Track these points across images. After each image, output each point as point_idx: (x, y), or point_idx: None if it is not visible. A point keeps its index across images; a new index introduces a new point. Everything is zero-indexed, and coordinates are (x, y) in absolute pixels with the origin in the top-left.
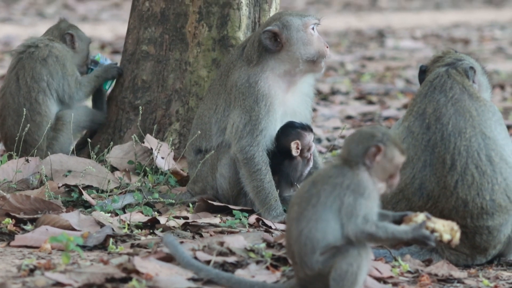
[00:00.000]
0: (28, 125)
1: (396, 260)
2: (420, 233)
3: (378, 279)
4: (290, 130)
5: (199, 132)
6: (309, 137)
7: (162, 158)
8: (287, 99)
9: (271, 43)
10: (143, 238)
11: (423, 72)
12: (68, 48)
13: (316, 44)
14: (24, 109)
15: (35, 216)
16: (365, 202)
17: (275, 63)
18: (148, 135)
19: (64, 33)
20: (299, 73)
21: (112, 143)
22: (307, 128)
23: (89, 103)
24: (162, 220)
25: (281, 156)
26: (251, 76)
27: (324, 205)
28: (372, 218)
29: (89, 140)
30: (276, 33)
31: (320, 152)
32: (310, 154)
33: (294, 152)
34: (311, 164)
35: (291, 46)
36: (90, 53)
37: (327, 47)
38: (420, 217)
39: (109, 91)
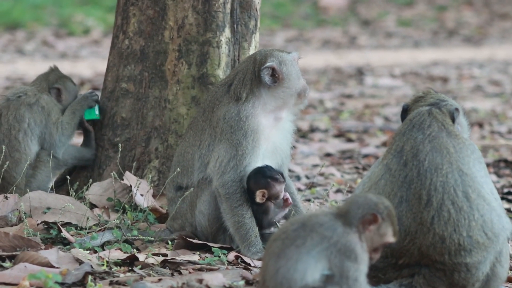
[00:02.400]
0: (7, 162)
1: None
2: None
3: None
4: (260, 178)
5: (178, 169)
6: (278, 187)
7: (141, 195)
8: (272, 135)
9: (270, 79)
10: (122, 275)
11: (405, 111)
12: (55, 101)
13: (301, 79)
14: (4, 146)
15: (14, 253)
16: (352, 265)
17: (268, 98)
18: (127, 172)
19: (52, 86)
20: (287, 108)
21: (91, 180)
22: (278, 178)
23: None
24: (141, 257)
25: (250, 199)
26: (241, 111)
27: (309, 251)
28: (364, 283)
29: (68, 177)
30: (275, 69)
31: (299, 190)
32: (284, 200)
33: (259, 200)
34: (286, 209)
35: (289, 81)
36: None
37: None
38: None
39: (97, 112)
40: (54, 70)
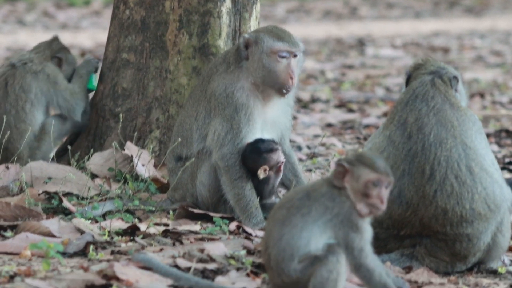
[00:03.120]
0: (8, 132)
1: None
2: None
3: (359, 285)
4: (256, 156)
5: (179, 139)
6: (275, 157)
7: (143, 165)
8: (267, 109)
9: (243, 49)
10: (123, 245)
11: (409, 78)
12: (58, 69)
13: (279, 72)
14: (5, 117)
15: (15, 223)
16: (356, 235)
17: (245, 71)
18: (128, 143)
19: (54, 55)
20: (264, 90)
21: (92, 150)
22: (272, 148)
23: None
24: (143, 227)
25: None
26: (228, 86)
27: (314, 221)
28: (370, 252)
29: (69, 147)
30: (248, 43)
31: (300, 160)
32: (280, 165)
33: (263, 176)
34: (281, 174)
35: (252, 62)
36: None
37: (292, 78)
38: None
39: (95, 83)
40: (56, 40)
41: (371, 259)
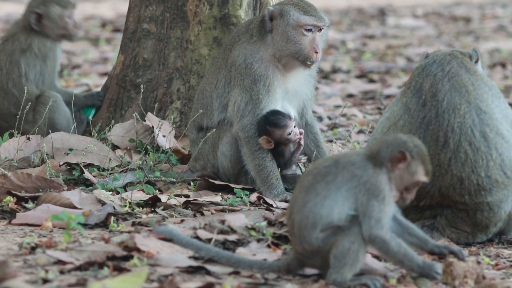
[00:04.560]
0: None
1: None
2: (430, 270)
3: (379, 257)
4: (261, 125)
5: (201, 110)
6: (278, 132)
7: (163, 136)
8: (288, 79)
9: (268, 22)
10: (144, 216)
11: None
12: (48, 40)
13: (304, 45)
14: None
15: (37, 194)
16: (378, 205)
17: (267, 43)
18: (149, 114)
19: (31, 10)
20: (287, 62)
21: (113, 121)
22: (277, 122)
23: None
24: (163, 198)
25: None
26: (248, 57)
27: (338, 188)
28: (387, 224)
29: (90, 118)
30: (272, 16)
31: (321, 131)
32: (299, 139)
33: (266, 146)
34: (301, 147)
35: (276, 35)
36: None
37: (317, 52)
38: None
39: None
40: None
41: (387, 231)
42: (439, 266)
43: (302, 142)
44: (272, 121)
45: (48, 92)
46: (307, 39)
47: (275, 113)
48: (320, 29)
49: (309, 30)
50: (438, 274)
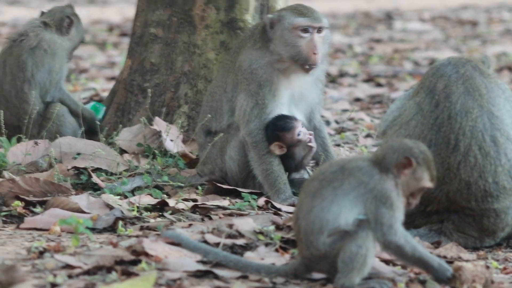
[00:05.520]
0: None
1: None
2: (445, 273)
3: (387, 262)
4: (269, 132)
5: (209, 115)
6: (289, 135)
7: (171, 140)
8: (293, 83)
9: (269, 30)
10: (152, 220)
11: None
12: (60, 36)
13: (301, 47)
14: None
15: (45, 198)
16: (387, 211)
17: (271, 50)
18: (157, 118)
19: (65, 16)
20: (289, 67)
21: (121, 125)
22: (285, 126)
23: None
24: (171, 202)
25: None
26: (253, 62)
27: (345, 194)
28: (400, 229)
29: (98, 123)
30: (272, 23)
31: (329, 135)
32: (309, 139)
33: (278, 152)
34: (313, 149)
35: (274, 40)
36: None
37: (315, 53)
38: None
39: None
40: (71, 6)
41: (401, 236)
42: (451, 271)
43: (314, 145)
44: (280, 126)
45: (53, 105)
46: (305, 41)
47: (281, 117)
48: (319, 31)
49: (306, 31)
50: (450, 279)
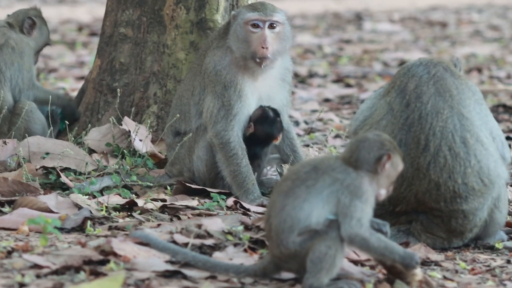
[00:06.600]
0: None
1: None
2: (412, 260)
3: (355, 262)
4: (257, 124)
5: (178, 115)
6: (270, 139)
7: (140, 140)
8: (259, 84)
9: (230, 26)
10: (121, 220)
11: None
12: (25, 36)
13: (251, 41)
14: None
15: (13, 198)
16: (360, 205)
17: (228, 46)
18: (126, 118)
19: (27, 17)
20: (245, 63)
21: (89, 125)
22: (274, 135)
23: None
24: (140, 202)
25: (261, 141)
26: (217, 64)
27: (319, 192)
28: (367, 224)
29: (66, 122)
30: (233, 19)
31: (298, 135)
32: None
33: (248, 132)
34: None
35: (229, 35)
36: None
37: (264, 48)
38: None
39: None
40: (37, 9)
41: (366, 229)
42: (418, 256)
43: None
44: (268, 131)
45: (22, 101)
46: (255, 36)
47: (271, 115)
48: (272, 26)
49: (256, 26)
50: (417, 263)
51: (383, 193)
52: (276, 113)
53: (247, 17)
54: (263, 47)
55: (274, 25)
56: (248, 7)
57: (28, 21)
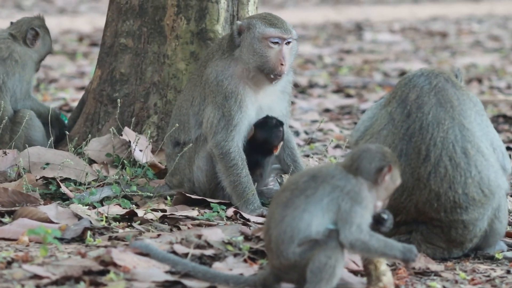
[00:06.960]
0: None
1: None
2: (411, 253)
3: (355, 272)
4: (273, 131)
5: (177, 124)
6: (271, 147)
7: (140, 150)
8: (260, 95)
9: (237, 36)
10: (121, 231)
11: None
12: (27, 47)
13: (269, 58)
14: None
15: (13, 208)
16: (360, 211)
17: (236, 58)
18: (126, 128)
19: (30, 28)
20: (255, 76)
21: (90, 135)
22: (275, 142)
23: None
24: (140, 213)
25: (262, 151)
26: (219, 74)
27: (318, 201)
28: (366, 228)
29: (67, 132)
30: (241, 30)
31: (298, 145)
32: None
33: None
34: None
35: (243, 48)
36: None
37: (283, 64)
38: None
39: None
40: (40, 18)
41: (366, 233)
42: (416, 248)
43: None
44: (270, 138)
45: (22, 110)
46: (273, 52)
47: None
48: (288, 42)
49: (275, 42)
50: (417, 256)
51: (380, 205)
52: (280, 122)
53: (267, 33)
54: (282, 64)
55: (290, 41)
56: (264, 21)
57: (31, 32)
